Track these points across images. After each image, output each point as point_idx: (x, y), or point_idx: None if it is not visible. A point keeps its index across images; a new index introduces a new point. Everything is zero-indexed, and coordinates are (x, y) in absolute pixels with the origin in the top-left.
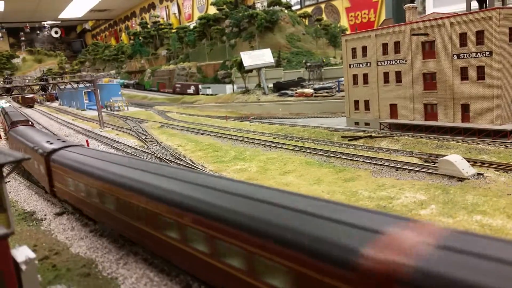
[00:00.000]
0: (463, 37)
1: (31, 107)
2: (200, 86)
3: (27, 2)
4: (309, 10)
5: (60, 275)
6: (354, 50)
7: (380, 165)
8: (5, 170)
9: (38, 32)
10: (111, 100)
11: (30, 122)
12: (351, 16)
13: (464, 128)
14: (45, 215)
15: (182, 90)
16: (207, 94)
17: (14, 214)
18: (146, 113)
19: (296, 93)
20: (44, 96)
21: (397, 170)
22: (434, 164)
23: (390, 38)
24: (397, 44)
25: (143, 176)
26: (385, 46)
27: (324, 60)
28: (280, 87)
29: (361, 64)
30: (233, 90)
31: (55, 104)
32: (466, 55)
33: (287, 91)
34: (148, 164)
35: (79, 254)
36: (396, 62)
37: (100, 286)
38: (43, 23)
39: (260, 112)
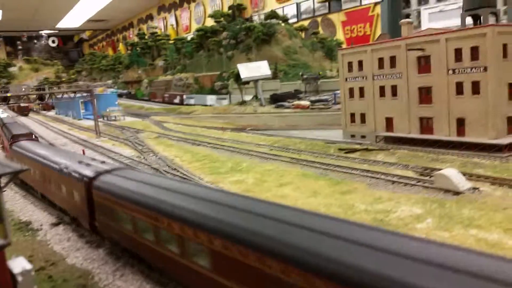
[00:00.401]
0: (458, 52)
1: (26, 115)
2: (184, 96)
3: (24, 11)
4: (306, 23)
5: (57, 286)
6: (350, 64)
7: (377, 178)
8: (2, 181)
9: (35, 41)
10: (107, 110)
11: (34, 136)
12: (347, 29)
13: (460, 142)
14: (41, 225)
15: (169, 99)
16: (190, 104)
17: (10, 224)
18: (142, 123)
19: (293, 105)
20: (40, 105)
21: (393, 183)
22: (430, 178)
23: (386, 52)
24: (393, 59)
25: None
26: (381, 60)
27: (320, 73)
28: (276, 99)
29: (357, 78)
30: (215, 101)
31: (51, 113)
32: (461, 70)
33: (284, 103)
34: (215, 192)
35: (75, 265)
36: (392, 76)
37: None
38: (40, 32)
39: (256, 124)
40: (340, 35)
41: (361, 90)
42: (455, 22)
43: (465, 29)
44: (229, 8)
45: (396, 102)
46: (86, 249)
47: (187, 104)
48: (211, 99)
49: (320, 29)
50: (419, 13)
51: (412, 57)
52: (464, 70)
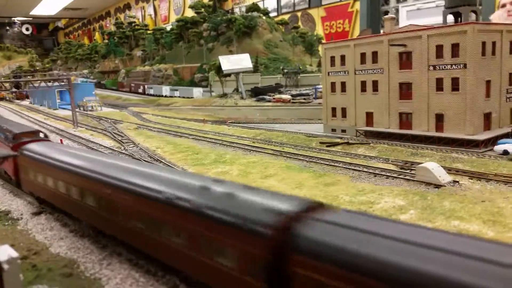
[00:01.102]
0: (439, 49)
1: None
2: (146, 86)
3: None
4: (286, 17)
5: (41, 275)
6: (333, 59)
7: (359, 171)
8: None
9: (7, 28)
10: (84, 100)
11: (43, 135)
12: (327, 25)
13: (438, 137)
14: (21, 214)
15: (135, 89)
16: (150, 94)
17: None
18: (120, 114)
19: (274, 98)
20: (13, 94)
21: (375, 176)
22: (411, 171)
23: (369, 48)
24: (375, 54)
25: None
26: (363, 55)
27: (301, 67)
28: (258, 92)
29: (339, 72)
30: (168, 92)
31: (25, 102)
32: (442, 67)
33: (265, 97)
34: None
35: (60, 254)
36: (373, 71)
37: (84, 287)
38: (13, 19)
39: (237, 116)
40: (319, 31)
41: (343, 84)
42: (432, 20)
43: (446, 26)
44: None
45: (377, 97)
46: (70, 238)
47: (148, 94)
48: (166, 89)
49: (300, 24)
50: (397, 10)
51: (394, 52)
52: (445, 67)
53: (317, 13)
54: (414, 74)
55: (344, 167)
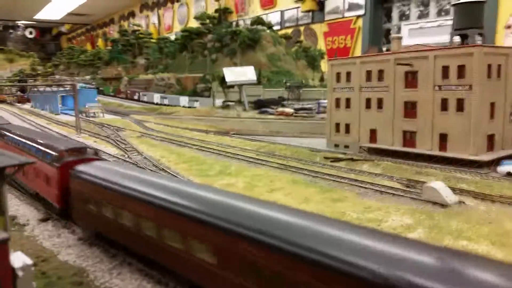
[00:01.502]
0: (445, 70)
1: None
2: (141, 93)
3: (2, 0)
4: (289, 31)
5: (52, 283)
6: (338, 75)
7: (365, 187)
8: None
9: (11, 31)
10: (86, 106)
11: (93, 152)
12: (329, 40)
13: (442, 156)
14: (28, 220)
15: (131, 95)
16: (144, 101)
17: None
18: (122, 121)
19: (277, 111)
20: (15, 97)
21: (382, 193)
22: (416, 190)
23: (375, 66)
24: (381, 72)
25: None
26: (369, 73)
27: (303, 81)
28: (260, 105)
29: (344, 89)
30: (159, 99)
31: (27, 106)
32: (447, 87)
33: (268, 109)
34: None
35: (68, 262)
36: (379, 89)
37: None
38: (17, 22)
39: (240, 128)
40: (321, 45)
41: (348, 101)
42: (434, 39)
43: (453, 47)
44: (216, 11)
45: (381, 115)
46: (78, 246)
47: (142, 101)
48: (157, 97)
49: (303, 38)
50: (399, 28)
51: (400, 71)
52: (450, 87)
53: (319, 28)
54: (420, 93)
55: (351, 184)
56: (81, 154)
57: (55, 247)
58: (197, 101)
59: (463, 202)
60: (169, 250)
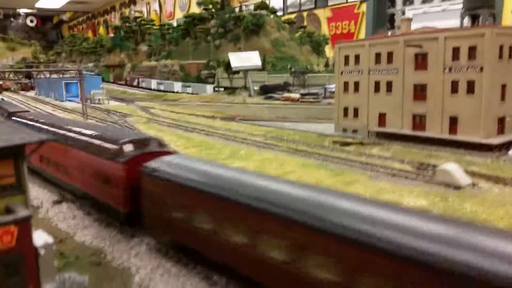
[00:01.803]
0: (456, 51)
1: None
2: (140, 80)
3: None
4: (292, 17)
5: (70, 263)
6: (346, 58)
7: (377, 170)
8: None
9: (12, 19)
10: (91, 93)
11: (156, 143)
12: (332, 26)
13: (452, 140)
14: (42, 202)
15: (130, 82)
16: (143, 87)
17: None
18: (127, 108)
19: (283, 97)
20: (18, 84)
21: (394, 176)
22: (429, 172)
23: (384, 48)
24: (390, 55)
25: None
26: (378, 55)
27: (308, 66)
28: (266, 90)
29: (353, 72)
30: (156, 85)
31: (31, 93)
32: (458, 69)
33: (274, 95)
34: None
35: (85, 243)
36: (388, 72)
37: (114, 276)
38: (18, 10)
39: (246, 114)
40: (325, 31)
41: (356, 84)
42: (438, 24)
43: (464, 28)
44: None
45: (390, 98)
46: (95, 227)
47: (140, 87)
48: (154, 83)
49: (306, 24)
50: (403, 13)
51: (410, 53)
52: (461, 69)
53: (323, 14)
54: (430, 76)
55: (361, 167)
56: (145, 146)
57: (70, 228)
58: (189, 86)
59: (476, 185)
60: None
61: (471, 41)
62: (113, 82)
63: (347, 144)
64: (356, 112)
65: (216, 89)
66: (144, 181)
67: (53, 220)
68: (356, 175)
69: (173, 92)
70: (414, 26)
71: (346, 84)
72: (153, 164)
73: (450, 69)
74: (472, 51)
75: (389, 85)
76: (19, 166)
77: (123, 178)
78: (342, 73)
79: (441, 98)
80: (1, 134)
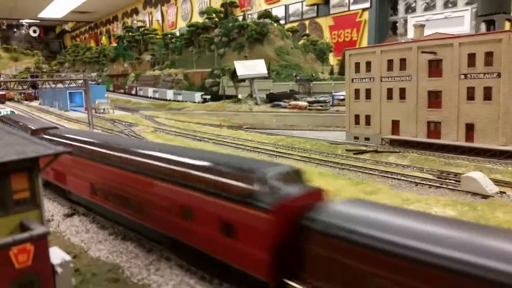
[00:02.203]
0: (471, 57)
1: (2, 103)
2: (137, 88)
3: None
4: (294, 25)
5: (87, 280)
6: (357, 65)
7: (398, 179)
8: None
9: (15, 29)
10: (96, 102)
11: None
12: (334, 34)
13: (469, 147)
14: (52, 215)
15: (128, 91)
16: (140, 95)
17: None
18: (133, 117)
19: (290, 105)
20: (22, 94)
21: (417, 185)
22: (449, 180)
23: (396, 54)
24: (403, 61)
25: None
26: (390, 62)
27: (313, 74)
28: (272, 99)
29: (364, 79)
30: (152, 93)
31: (35, 103)
32: (474, 76)
33: (280, 103)
34: None
35: (100, 258)
36: (401, 78)
37: None
38: (21, 21)
39: (253, 122)
40: (327, 39)
41: (368, 91)
42: (442, 31)
43: (479, 34)
44: (222, 5)
45: (404, 105)
46: (110, 242)
47: (138, 95)
48: (170, 93)
49: (308, 32)
50: (405, 21)
51: (423, 60)
52: (477, 76)
53: (325, 22)
54: (444, 83)
55: (381, 175)
56: (287, 181)
57: (84, 243)
58: (180, 94)
59: (504, 193)
60: None
61: (488, 47)
62: (113, 91)
63: (362, 152)
64: (368, 119)
65: (204, 97)
66: (309, 240)
67: (66, 234)
68: (377, 184)
69: (166, 100)
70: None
71: (357, 91)
72: (320, 214)
73: (465, 76)
74: (488, 57)
75: (402, 92)
76: (33, 180)
77: (269, 233)
78: (352, 80)
79: (457, 105)
80: (13, 145)
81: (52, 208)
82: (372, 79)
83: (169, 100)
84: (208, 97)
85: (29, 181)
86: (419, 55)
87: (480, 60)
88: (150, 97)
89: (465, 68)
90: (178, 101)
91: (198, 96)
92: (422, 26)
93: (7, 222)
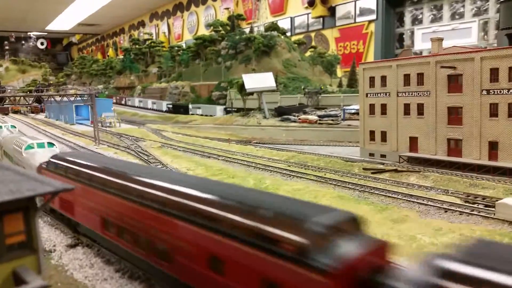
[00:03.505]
0: (494, 72)
1: (6, 114)
2: (126, 99)
3: (14, 11)
4: (300, 37)
5: None
6: (372, 79)
7: (425, 204)
8: (38, 202)
9: (23, 42)
10: (102, 116)
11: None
12: (340, 46)
13: (493, 166)
14: (54, 246)
15: (119, 101)
16: (129, 105)
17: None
18: (139, 131)
19: (300, 119)
20: (28, 107)
21: (446, 211)
22: (479, 205)
23: (413, 69)
24: (420, 76)
25: None
26: (407, 77)
27: (322, 87)
28: (281, 112)
29: (379, 94)
30: (137, 103)
31: (41, 116)
32: (497, 91)
33: (290, 117)
34: None
35: None
36: (418, 94)
37: None
38: (29, 33)
39: (262, 137)
40: (333, 51)
41: (383, 106)
42: (447, 43)
43: (503, 48)
44: (228, 18)
45: (422, 121)
46: (116, 280)
47: (127, 105)
48: (160, 103)
49: (314, 44)
50: (412, 33)
51: (442, 75)
52: (500, 91)
53: (331, 34)
54: (465, 98)
55: (406, 199)
56: (348, 231)
57: (88, 279)
58: (199, 108)
59: None
60: None
61: None
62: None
63: (380, 171)
64: (384, 135)
65: (228, 109)
66: None
67: (68, 268)
68: (402, 210)
69: (162, 111)
70: (424, 45)
71: (372, 106)
72: (395, 280)
73: (488, 91)
74: None
75: (420, 108)
76: (29, 221)
77: None
78: (367, 95)
79: (479, 122)
80: (7, 183)
81: (54, 237)
82: (387, 94)
83: (165, 111)
84: (233, 109)
85: (25, 223)
86: (438, 69)
87: (504, 75)
88: (137, 107)
89: (487, 84)
90: (198, 114)
91: (220, 109)
92: (441, 39)
93: None
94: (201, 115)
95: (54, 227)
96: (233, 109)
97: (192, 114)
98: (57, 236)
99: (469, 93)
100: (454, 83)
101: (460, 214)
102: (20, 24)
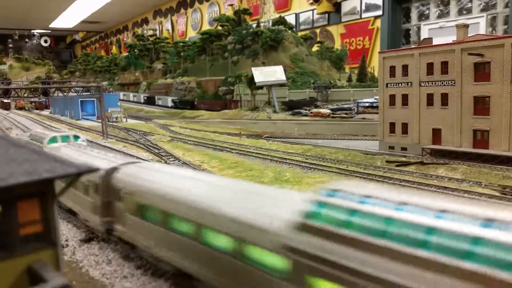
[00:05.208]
0: None
1: (8, 109)
2: (121, 94)
3: (18, 9)
4: (304, 33)
5: None
6: (392, 69)
7: (462, 197)
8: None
9: (27, 40)
10: (109, 111)
11: None
12: (346, 42)
13: None
14: (67, 240)
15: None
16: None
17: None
18: (146, 125)
19: (312, 112)
20: (33, 103)
21: (487, 203)
22: None
23: (437, 57)
24: (444, 64)
25: None
26: (430, 65)
27: (332, 81)
28: (292, 106)
29: (400, 84)
30: (132, 97)
31: (45, 112)
32: None
33: (301, 111)
34: None
35: None
36: (442, 83)
37: None
38: (32, 31)
39: (273, 131)
40: (338, 47)
41: (405, 97)
42: (454, 38)
43: None
44: (235, 13)
45: (447, 112)
46: (138, 277)
47: (122, 100)
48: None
49: (320, 39)
50: (419, 28)
51: (468, 63)
52: None
53: (336, 30)
54: (493, 87)
55: (441, 192)
56: None
57: (106, 277)
58: (160, 99)
59: None
60: None
61: None
62: None
63: (405, 164)
64: (405, 127)
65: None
66: None
67: (83, 265)
68: None
69: (167, 106)
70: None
71: (392, 97)
72: None
73: None
74: None
75: (444, 98)
76: (47, 209)
77: None
78: (387, 85)
79: (508, 112)
80: (21, 162)
81: (66, 230)
82: (409, 83)
83: (157, 105)
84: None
85: (42, 211)
86: (463, 57)
87: None
88: (132, 101)
89: None
90: (159, 105)
91: (170, 100)
92: (466, 26)
93: (11, 267)
94: (160, 105)
95: (65, 221)
96: (177, 101)
97: (157, 105)
98: (70, 230)
99: (497, 81)
100: (481, 71)
101: (506, 207)
102: (24, 22)
